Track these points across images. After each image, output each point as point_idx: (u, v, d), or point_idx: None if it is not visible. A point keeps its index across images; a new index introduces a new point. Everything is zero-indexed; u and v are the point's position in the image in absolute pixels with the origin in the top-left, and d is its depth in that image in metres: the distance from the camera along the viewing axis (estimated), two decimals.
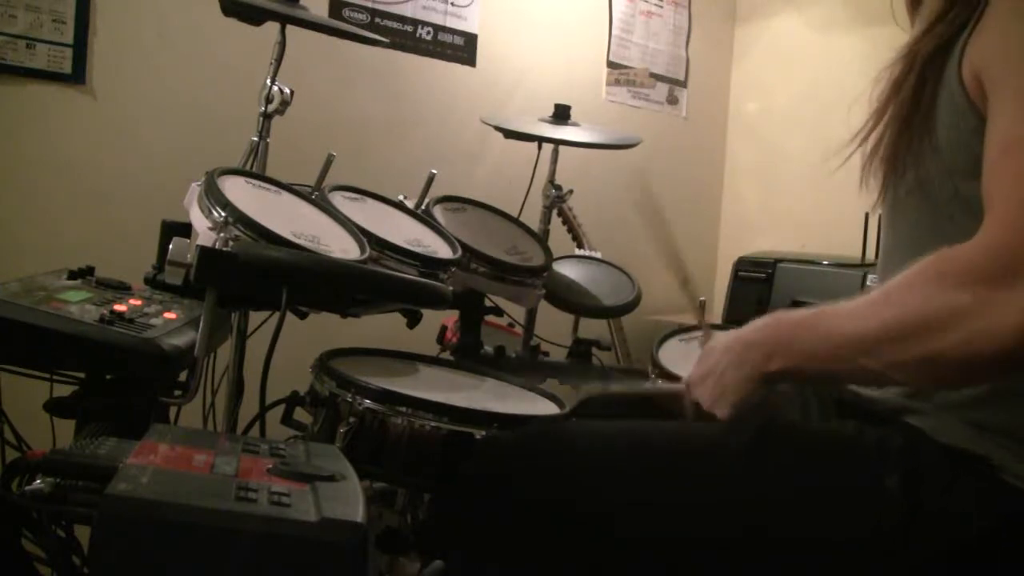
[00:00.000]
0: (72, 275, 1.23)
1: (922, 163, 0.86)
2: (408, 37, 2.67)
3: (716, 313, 2.91)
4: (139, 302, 1.15)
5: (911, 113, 0.87)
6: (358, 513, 0.68)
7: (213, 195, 1.15)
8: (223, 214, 1.12)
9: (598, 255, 2.16)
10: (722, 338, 0.93)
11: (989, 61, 0.79)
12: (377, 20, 2.61)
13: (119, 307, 1.09)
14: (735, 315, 2.69)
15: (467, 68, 2.80)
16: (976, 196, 0.77)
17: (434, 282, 1.30)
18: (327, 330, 1.59)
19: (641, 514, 0.87)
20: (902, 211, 0.91)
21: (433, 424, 1.15)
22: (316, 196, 1.42)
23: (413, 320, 1.37)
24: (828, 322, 0.81)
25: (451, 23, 2.75)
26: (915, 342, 0.73)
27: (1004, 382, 0.79)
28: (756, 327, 0.89)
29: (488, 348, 1.78)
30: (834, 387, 0.96)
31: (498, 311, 1.83)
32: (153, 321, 1.09)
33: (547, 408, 1.33)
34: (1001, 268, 0.69)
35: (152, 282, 1.29)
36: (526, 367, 1.77)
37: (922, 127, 0.86)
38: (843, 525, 0.81)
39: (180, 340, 1.07)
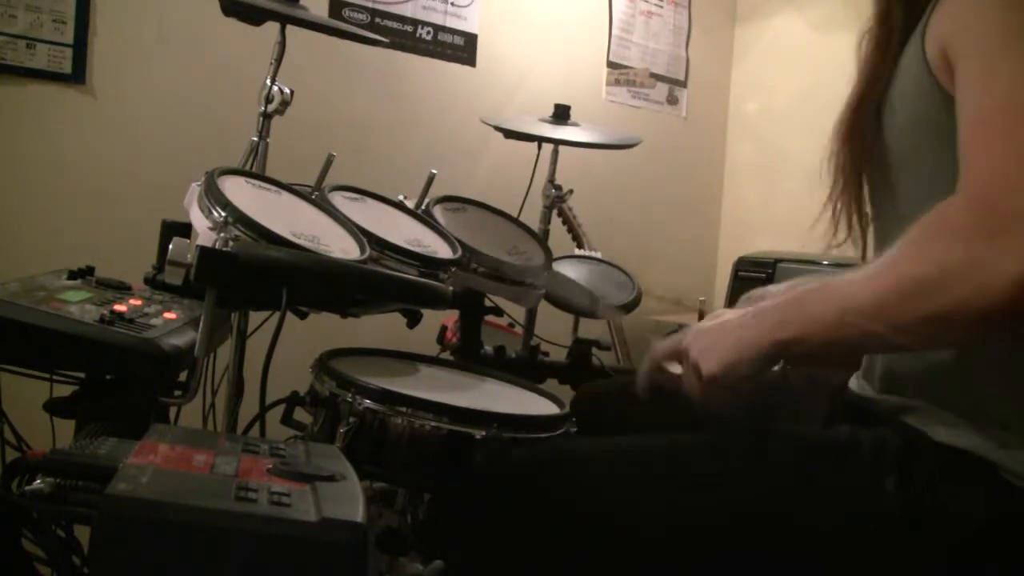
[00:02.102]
0: (72, 275, 1.23)
1: (890, 147, 0.87)
2: (408, 37, 2.67)
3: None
4: (139, 302, 1.15)
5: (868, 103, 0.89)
6: (358, 513, 0.68)
7: (213, 195, 1.15)
8: (223, 214, 1.12)
9: (598, 255, 2.16)
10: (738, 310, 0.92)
11: (953, 34, 0.79)
12: (377, 20, 2.61)
13: (119, 307, 1.09)
14: None
15: (467, 68, 2.80)
16: (952, 167, 0.77)
17: (434, 282, 1.30)
18: (327, 330, 1.59)
19: (641, 517, 0.87)
20: (884, 195, 0.91)
21: (433, 424, 1.15)
22: (316, 196, 1.42)
23: (413, 320, 1.37)
24: (834, 289, 0.80)
25: (451, 23, 2.75)
26: (914, 303, 0.73)
27: (1010, 339, 0.78)
28: (773, 296, 0.88)
29: (488, 348, 1.78)
30: (845, 360, 0.95)
31: (498, 311, 1.83)
32: (153, 321, 1.09)
33: (547, 408, 1.33)
34: (986, 222, 0.69)
35: (152, 282, 1.29)
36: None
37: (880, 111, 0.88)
38: (842, 526, 0.81)
39: (180, 340, 1.07)
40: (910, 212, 0.78)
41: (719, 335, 0.88)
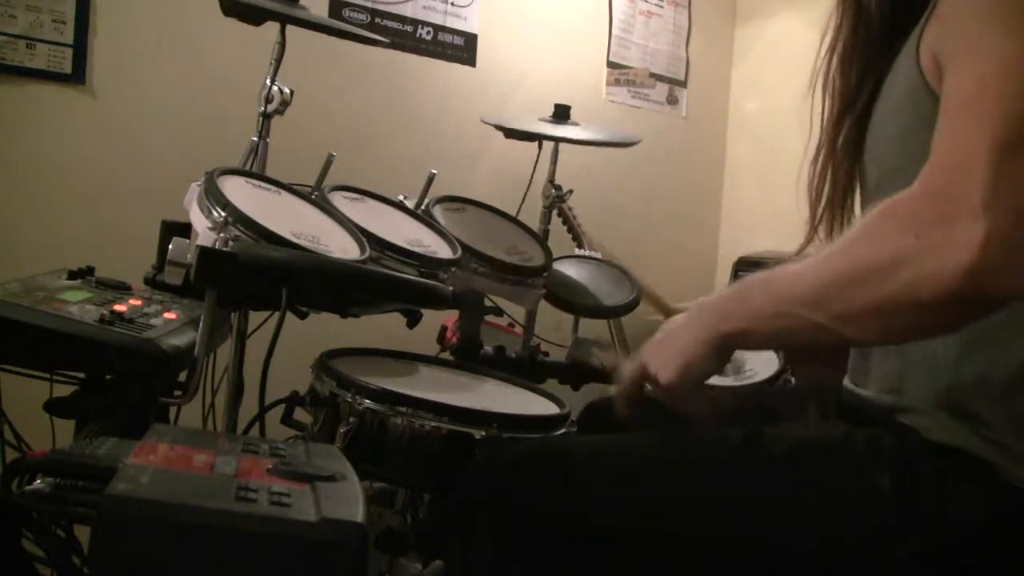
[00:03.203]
0: (72, 275, 1.23)
1: (882, 157, 0.87)
2: (408, 37, 2.67)
3: None
4: (139, 302, 1.15)
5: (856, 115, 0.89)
6: (358, 513, 0.68)
7: (213, 195, 1.15)
8: (223, 214, 1.12)
9: (598, 255, 2.16)
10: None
11: (943, 38, 0.79)
12: (377, 20, 2.61)
13: (119, 307, 1.09)
14: None
15: (467, 68, 2.80)
16: None
17: (434, 282, 1.30)
18: (327, 330, 1.59)
19: (639, 517, 0.88)
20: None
21: (433, 424, 1.15)
22: (316, 196, 1.42)
23: (413, 320, 1.37)
24: (778, 280, 0.80)
25: (451, 23, 2.75)
26: (860, 291, 0.72)
27: (958, 331, 0.77)
28: (720, 292, 0.88)
29: (488, 348, 1.78)
30: (791, 351, 0.95)
31: (498, 311, 1.83)
32: (153, 321, 1.09)
33: (547, 408, 1.33)
34: (939, 210, 0.68)
35: (152, 282, 1.29)
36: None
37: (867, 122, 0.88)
38: (836, 526, 0.81)
39: (180, 340, 1.07)
40: None
41: (668, 343, 0.89)
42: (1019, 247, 0.65)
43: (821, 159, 0.96)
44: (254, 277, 1.08)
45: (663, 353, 0.89)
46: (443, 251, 1.43)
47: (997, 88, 0.70)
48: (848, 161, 0.95)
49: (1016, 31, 0.71)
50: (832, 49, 0.97)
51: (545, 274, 1.65)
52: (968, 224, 0.66)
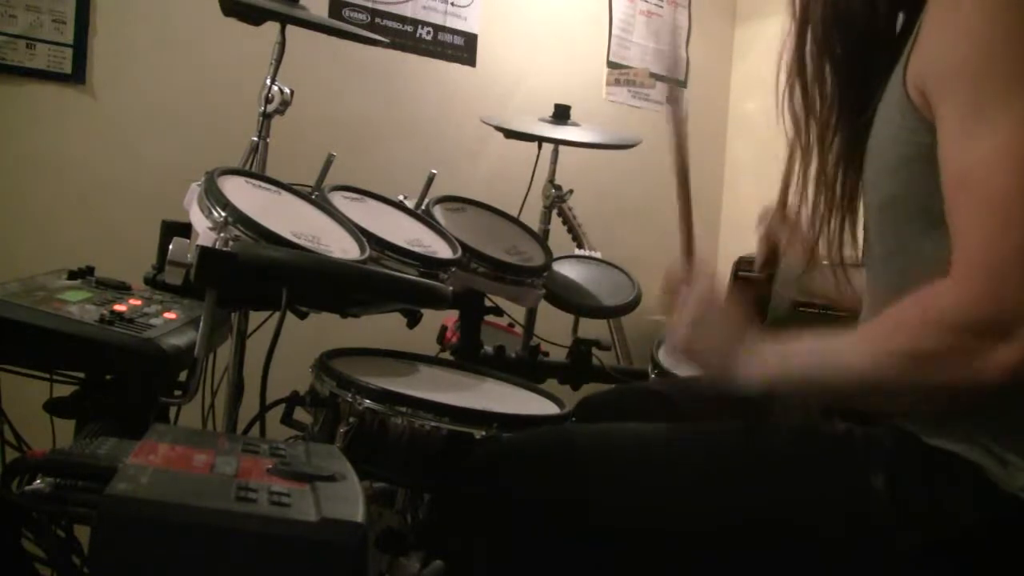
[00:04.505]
0: (72, 275, 1.23)
1: (885, 185, 0.87)
2: (408, 37, 2.67)
3: None
4: (139, 302, 1.15)
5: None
6: (358, 513, 0.68)
7: (213, 195, 1.15)
8: (223, 214, 1.12)
9: (598, 255, 2.16)
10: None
11: (929, 76, 0.79)
12: (377, 20, 2.61)
13: (119, 307, 1.09)
14: None
15: (467, 68, 2.80)
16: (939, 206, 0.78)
17: (434, 282, 1.30)
18: (327, 330, 1.59)
19: (640, 512, 0.88)
20: (881, 224, 0.91)
21: (433, 424, 1.15)
22: (316, 196, 1.42)
23: (413, 320, 1.37)
24: (831, 355, 0.82)
25: (451, 23, 2.75)
26: (909, 378, 0.75)
27: None
28: (780, 343, 0.88)
29: (488, 348, 1.78)
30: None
31: (498, 311, 1.83)
32: (153, 321, 1.09)
33: (547, 408, 1.33)
34: (982, 320, 0.71)
35: (152, 282, 1.29)
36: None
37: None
38: (830, 523, 0.82)
39: (180, 340, 1.07)
40: (909, 245, 0.81)
41: (716, 337, 0.91)
42: None
43: (813, 176, 0.96)
44: (254, 277, 1.08)
45: (700, 336, 0.91)
46: (443, 251, 1.43)
47: (1003, 167, 0.72)
48: (843, 177, 0.94)
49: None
50: (789, 86, 0.96)
51: (545, 274, 1.65)
52: (1005, 328, 0.70)
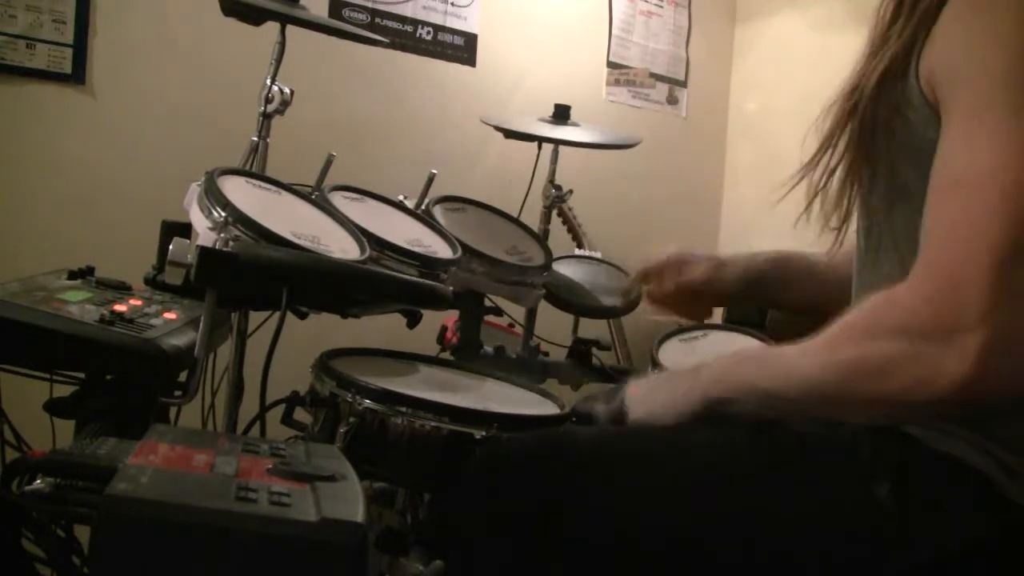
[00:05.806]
0: (72, 275, 1.23)
1: (896, 174, 0.85)
2: (408, 37, 2.67)
3: (716, 313, 2.90)
4: (139, 302, 1.15)
5: (866, 138, 0.86)
6: (358, 513, 0.68)
7: (213, 195, 1.15)
8: (223, 214, 1.12)
9: (598, 255, 2.16)
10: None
11: (938, 75, 0.78)
12: (377, 20, 2.61)
13: (119, 307, 1.09)
14: (735, 316, 2.69)
15: (467, 68, 2.80)
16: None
17: (434, 282, 1.30)
18: (327, 330, 1.59)
19: (640, 515, 0.87)
20: (883, 221, 0.89)
21: (433, 424, 1.15)
22: (316, 196, 1.42)
23: (413, 320, 1.37)
24: (777, 362, 0.83)
25: (451, 23, 2.75)
26: (855, 386, 0.75)
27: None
28: (720, 358, 0.91)
29: (488, 348, 1.78)
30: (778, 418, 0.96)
31: (498, 311, 1.83)
32: (153, 321, 1.09)
33: (547, 408, 1.33)
34: (937, 321, 0.70)
35: (152, 282, 1.29)
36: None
37: (884, 140, 0.85)
38: (833, 533, 0.81)
39: (180, 340, 1.07)
40: (906, 236, 0.80)
41: (655, 384, 0.94)
42: (1012, 359, 0.68)
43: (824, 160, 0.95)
44: (254, 277, 1.08)
45: (647, 392, 0.94)
46: (443, 251, 1.43)
47: (996, 180, 0.70)
48: (847, 162, 0.93)
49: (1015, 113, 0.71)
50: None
51: (545, 274, 1.65)
52: (963, 336, 0.68)
